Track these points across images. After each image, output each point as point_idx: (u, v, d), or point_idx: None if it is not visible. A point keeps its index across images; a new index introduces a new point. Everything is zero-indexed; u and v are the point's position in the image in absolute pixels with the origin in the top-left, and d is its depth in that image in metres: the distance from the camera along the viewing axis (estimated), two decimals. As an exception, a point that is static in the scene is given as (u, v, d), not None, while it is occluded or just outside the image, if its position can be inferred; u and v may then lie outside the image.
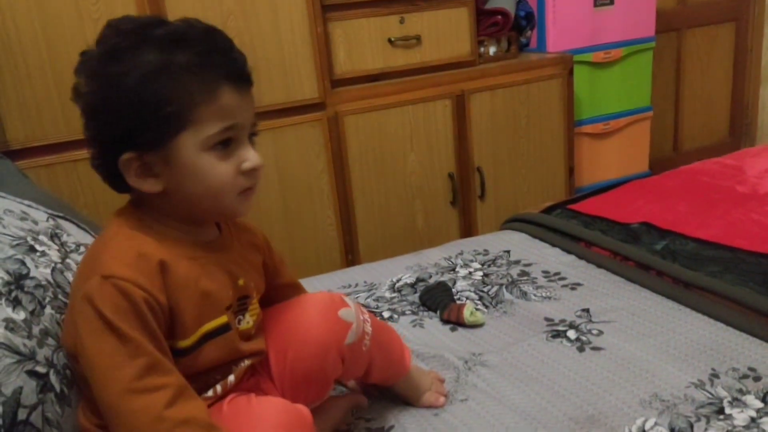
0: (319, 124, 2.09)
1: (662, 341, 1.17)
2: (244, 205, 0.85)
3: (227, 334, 0.85)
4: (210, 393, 0.86)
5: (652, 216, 1.60)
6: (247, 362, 0.90)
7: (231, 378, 0.88)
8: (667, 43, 3.17)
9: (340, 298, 0.99)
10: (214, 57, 0.79)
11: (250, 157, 0.82)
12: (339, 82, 2.15)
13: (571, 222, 1.65)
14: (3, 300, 0.80)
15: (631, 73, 2.68)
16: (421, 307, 1.40)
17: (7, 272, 0.84)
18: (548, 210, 1.76)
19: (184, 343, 0.81)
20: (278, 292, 1.03)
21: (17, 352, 0.77)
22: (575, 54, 2.48)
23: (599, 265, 1.47)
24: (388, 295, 1.47)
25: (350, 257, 2.25)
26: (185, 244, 0.83)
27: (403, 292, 1.47)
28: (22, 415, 0.75)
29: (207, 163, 0.79)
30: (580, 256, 1.52)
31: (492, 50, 2.42)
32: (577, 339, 1.21)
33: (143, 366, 0.73)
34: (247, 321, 0.91)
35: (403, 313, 1.38)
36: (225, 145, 0.80)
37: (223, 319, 0.85)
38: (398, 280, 1.52)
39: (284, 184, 2.09)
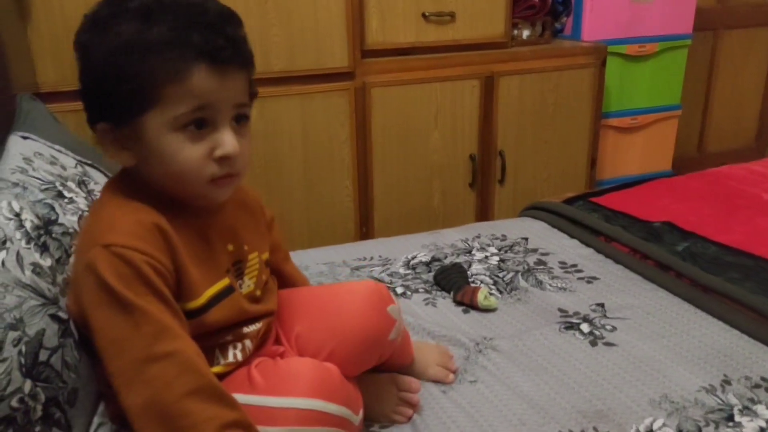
0: (346, 94, 2.07)
1: (676, 343, 1.16)
2: (217, 193, 0.81)
3: (232, 296, 0.86)
4: (231, 359, 0.86)
5: (676, 216, 1.59)
6: (258, 325, 0.90)
7: (248, 343, 0.89)
8: (702, 42, 3.11)
9: (388, 293, 0.99)
10: (190, 33, 0.74)
11: (225, 142, 0.77)
12: (369, 53, 2.12)
13: (592, 215, 1.64)
14: (32, 244, 0.81)
15: (663, 69, 2.64)
16: (435, 287, 1.40)
17: (37, 216, 0.85)
18: (569, 201, 1.75)
19: (194, 304, 0.81)
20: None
21: (42, 296, 0.78)
22: (609, 44, 2.44)
23: (617, 261, 1.46)
24: (402, 271, 1.47)
25: (364, 230, 2.25)
26: (177, 210, 0.81)
27: (418, 270, 1.47)
28: (43, 356, 0.76)
29: (174, 144, 0.76)
30: (598, 250, 1.52)
31: (525, 34, 2.38)
32: (590, 333, 1.21)
33: (151, 333, 0.73)
34: (248, 285, 0.90)
35: (416, 291, 1.38)
36: (199, 126, 0.76)
37: (225, 282, 0.85)
38: (413, 258, 1.52)
39: (307, 151, 2.08)
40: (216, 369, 0.85)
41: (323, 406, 0.80)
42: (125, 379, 0.73)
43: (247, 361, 0.88)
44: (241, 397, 0.79)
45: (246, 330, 0.89)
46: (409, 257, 1.52)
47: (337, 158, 2.13)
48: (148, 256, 0.74)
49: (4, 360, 0.70)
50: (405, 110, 2.17)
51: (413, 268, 1.48)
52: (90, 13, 0.78)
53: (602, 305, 1.30)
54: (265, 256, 0.96)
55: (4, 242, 0.78)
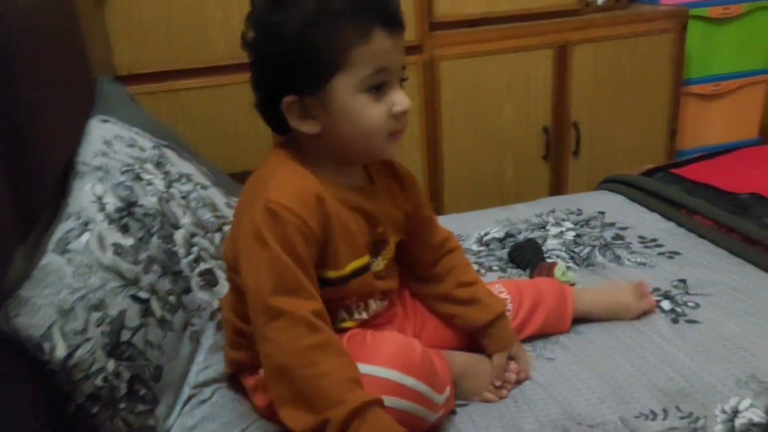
0: (414, 68, 2.04)
1: (765, 320, 1.11)
2: (392, 147, 0.88)
3: (366, 274, 0.92)
4: (357, 316, 0.94)
5: (764, 187, 1.50)
6: (382, 303, 0.99)
7: (372, 303, 0.96)
8: (793, 0, 2.91)
9: None
10: (368, 1, 0.82)
11: (401, 100, 0.85)
12: (438, 26, 2.09)
13: (673, 187, 1.57)
14: (114, 225, 0.84)
15: (749, 32, 2.48)
16: (510, 264, 1.38)
17: (119, 198, 0.88)
18: (649, 173, 1.68)
19: (335, 273, 0.88)
20: (428, 250, 1.07)
21: (122, 277, 0.81)
22: (690, 8, 2.31)
23: (701, 235, 1.40)
24: (475, 248, 1.45)
25: (434, 204, 2.23)
26: (337, 186, 0.88)
27: (491, 247, 1.45)
28: (125, 335, 0.79)
29: (361, 105, 0.83)
30: (680, 224, 1.45)
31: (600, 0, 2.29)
32: (672, 310, 1.16)
33: (286, 285, 0.78)
34: (379, 263, 0.97)
35: (491, 269, 1.36)
36: (377, 89, 0.83)
37: (365, 259, 0.92)
38: (486, 234, 1.50)
39: (375, 127, 2.07)
40: (345, 324, 0.92)
41: (400, 378, 0.83)
42: (262, 316, 0.79)
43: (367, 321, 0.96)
44: None
45: (370, 302, 0.96)
46: (482, 233, 1.50)
47: (405, 132, 2.11)
48: (300, 219, 0.80)
49: (88, 340, 0.74)
50: (476, 83, 2.13)
51: (486, 245, 1.46)
52: None
53: (684, 281, 1.25)
54: (398, 238, 1.01)
55: (87, 224, 0.81)
